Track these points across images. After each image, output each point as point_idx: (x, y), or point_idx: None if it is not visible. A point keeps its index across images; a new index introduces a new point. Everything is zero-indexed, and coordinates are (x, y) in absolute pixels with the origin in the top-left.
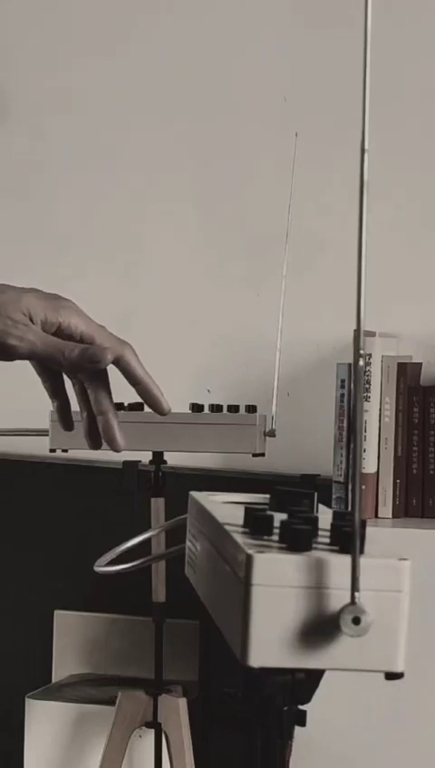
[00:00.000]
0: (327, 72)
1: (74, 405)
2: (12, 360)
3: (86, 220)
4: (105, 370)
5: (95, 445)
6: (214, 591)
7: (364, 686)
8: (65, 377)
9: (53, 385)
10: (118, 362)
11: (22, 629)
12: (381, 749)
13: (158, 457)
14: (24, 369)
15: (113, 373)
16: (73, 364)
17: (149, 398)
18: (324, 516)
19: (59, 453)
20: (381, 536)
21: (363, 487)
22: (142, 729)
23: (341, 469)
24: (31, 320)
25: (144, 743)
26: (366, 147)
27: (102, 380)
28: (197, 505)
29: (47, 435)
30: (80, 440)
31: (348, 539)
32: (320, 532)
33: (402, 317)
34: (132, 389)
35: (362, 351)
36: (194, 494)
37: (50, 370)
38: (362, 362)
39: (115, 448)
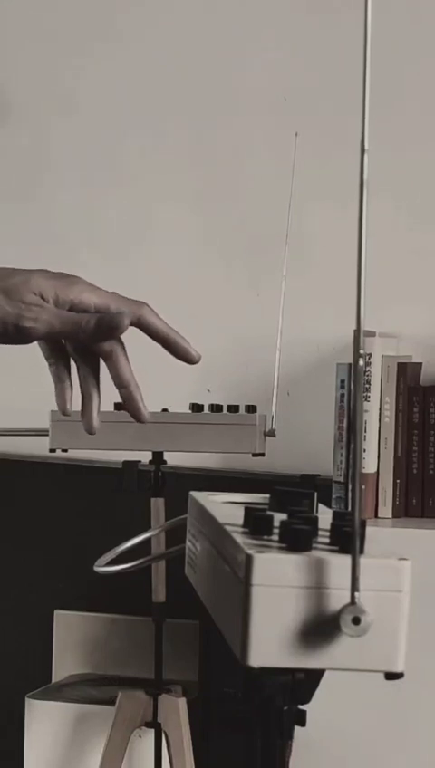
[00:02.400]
0: (327, 73)
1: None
2: (30, 342)
3: (86, 220)
4: (123, 344)
5: (90, 426)
6: (214, 591)
7: (364, 686)
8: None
9: (60, 368)
10: (138, 323)
11: (22, 629)
12: (381, 749)
13: (158, 457)
14: (25, 369)
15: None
16: (92, 335)
17: (177, 350)
18: (324, 516)
19: (59, 453)
20: (381, 536)
21: (363, 487)
22: (142, 729)
23: (341, 469)
24: (43, 299)
25: (144, 743)
26: (366, 147)
27: (121, 353)
28: (197, 505)
29: (47, 435)
30: (80, 440)
31: (348, 539)
32: (320, 532)
33: (402, 317)
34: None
35: (362, 351)
36: (194, 494)
37: (58, 353)
38: (362, 362)
39: (140, 419)
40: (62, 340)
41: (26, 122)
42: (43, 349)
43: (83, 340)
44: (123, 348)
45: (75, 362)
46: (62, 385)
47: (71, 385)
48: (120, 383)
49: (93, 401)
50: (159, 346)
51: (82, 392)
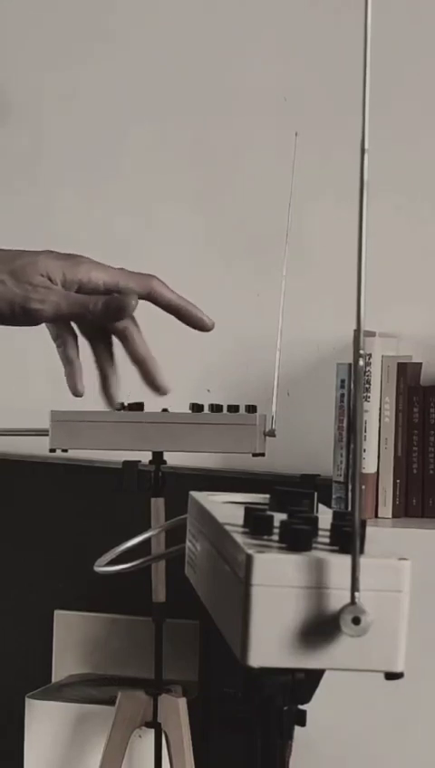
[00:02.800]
0: (327, 73)
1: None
2: (38, 323)
3: (86, 220)
4: (135, 320)
5: (111, 402)
6: (214, 591)
7: (364, 686)
8: (80, 340)
9: (69, 349)
10: (149, 297)
11: (22, 629)
12: (382, 749)
13: (158, 457)
14: (25, 369)
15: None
16: (100, 316)
17: (190, 319)
18: (324, 516)
19: (59, 453)
20: (381, 536)
21: (363, 487)
22: (142, 729)
23: (341, 469)
24: (50, 280)
25: (144, 743)
26: (366, 147)
27: (135, 329)
28: (197, 505)
29: (47, 435)
30: (80, 440)
31: (348, 539)
32: (320, 532)
33: (402, 317)
34: (133, 389)
35: (362, 351)
36: (194, 494)
37: (66, 334)
38: (362, 362)
39: (160, 392)
40: (71, 322)
41: (26, 122)
42: (50, 330)
43: (92, 323)
44: (136, 324)
45: (88, 342)
46: (72, 366)
47: (80, 365)
48: (137, 359)
49: (112, 378)
50: (159, 340)
51: (100, 370)
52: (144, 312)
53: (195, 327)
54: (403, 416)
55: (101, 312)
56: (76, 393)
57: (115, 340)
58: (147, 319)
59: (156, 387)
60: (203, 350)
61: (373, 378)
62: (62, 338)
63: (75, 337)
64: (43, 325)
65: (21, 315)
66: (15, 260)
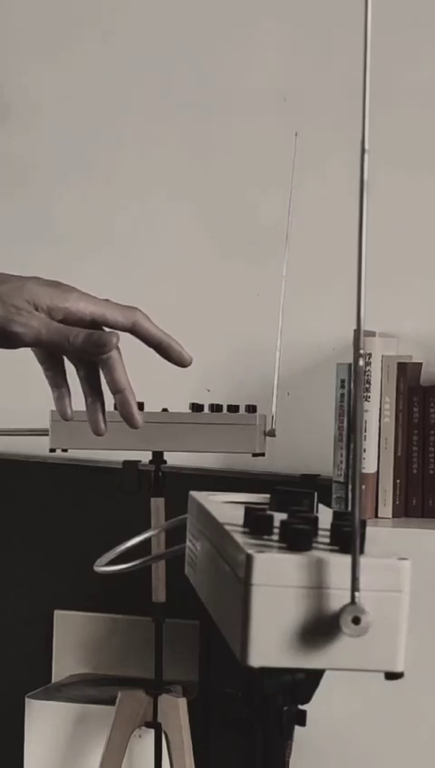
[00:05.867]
0: (327, 72)
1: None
2: (16, 347)
3: (85, 220)
4: (119, 349)
5: (99, 430)
6: (214, 591)
7: (364, 686)
8: (67, 364)
9: (55, 373)
10: (132, 329)
11: (22, 629)
12: (382, 749)
13: (158, 457)
14: (24, 369)
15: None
16: (79, 350)
17: (170, 354)
18: (324, 516)
19: (59, 453)
20: (381, 536)
21: (363, 487)
22: (142, 729)
23: (341, 469)
24: (36, 307)
25: (144, 743)
26: (366, 147)
27: (117, 358)
28: (197, 505)
29: (47, 435)
30: (80, 440)
31: (348, 539)
32: (320, 532)
33: (402, 317)
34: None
35: (362, 351)
36: (194, 494)
37: (53, 358)
38: (362, 362)
39: (133, 425)
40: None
41: (26, 121)
42: (36, 354)
43: (70, 354)
44: (119, 353)
45: (74, 365)
46: (60, 390)
47: (68, 390)
48: (116, 388)
49: (98, 403)
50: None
51: (86, 394)
52: (145, 312)
53: (174, 363)
54: (403, 416)
55: (80, 346)
56: (65, 417)
57: None
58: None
59: (130, 419)
60: (203, 351)
61: (373, 378)
62: (49, 362)
63: (62, 361)
64: None
65: (0, 337)
66: (2, 283)
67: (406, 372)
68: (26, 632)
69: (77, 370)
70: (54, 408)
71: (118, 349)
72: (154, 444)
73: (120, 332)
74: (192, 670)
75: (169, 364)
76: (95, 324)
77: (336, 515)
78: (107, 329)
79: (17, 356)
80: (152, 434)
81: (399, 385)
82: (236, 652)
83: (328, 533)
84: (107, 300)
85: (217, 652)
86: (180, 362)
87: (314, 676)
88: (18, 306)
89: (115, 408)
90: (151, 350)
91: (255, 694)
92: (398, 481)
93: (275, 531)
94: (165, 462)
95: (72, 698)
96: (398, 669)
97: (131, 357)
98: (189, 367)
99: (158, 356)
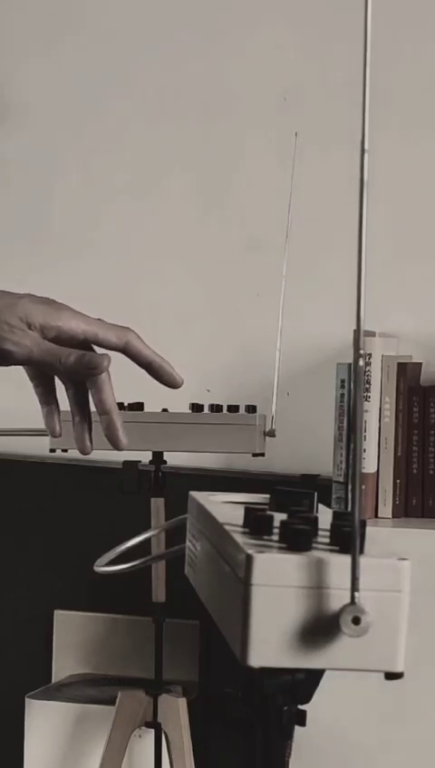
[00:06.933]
0: (327, 72)
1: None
2: (8, 365)
3: (85, 220)
4: (109, 359)
5: (85, 449)
6: (214, 591)
7: (364, 686)
8: (57, 383)
9: (45, 391)
10: (124, 349)
11: (22, 629)
12: (382, 749)
13: (158, 457)
14: (24, 369)
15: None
16: (70, 371)
17: (161, 375)
18: (324, 516)
19: (59, 453)
20: (381, 536)
21: (363, 487)
22: (142, 729)
23: (341, 469)
24: (29, 325)
25: (144, 743)
26: (366, 147)
27: (106, 379)
28: (197, 505)
29: (47, 435)
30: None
31: (348, 539)
32: (320, 532)
33: (402, 317)
34: (133, 389)
35: (362, 351)
36: (194, 494)
37: (43, 376)
38: (362, 362)
39: (118, 448)
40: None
41: (25, 121)
42: (27, 371)
43: (60, 374)
44: (108, 373)
45: (63, 383)
46: (50, 407)
47: (57, 407)
48: (103, 409)
49: (85, 423)
50: (159, 340)
51: (73, 413)
52: (146, 312)
53: (165, 384)
54: (403, 416)
55: (71, 367)
56: (54, 434)
57: None
58: (148, 319)
59: (115, 442)
60: (203, 351)
61: (373, 378)
62: (39, 379)
63: (52, 378)
64: None
65: None
66: None
67: (406, 372)
68: (26, 632)
69: (66, 389)
70: (45, 427)
71: (109, 359)
72: (154, 444)
73: (110, 353)
74: (192, 670)
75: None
76: (87, 343)
77: (336, 515)
78: (99, 348)
79: None
80: (152, 434)
81: (399, 385)
82: (236, 652)
83: (328, 533)
84: (99, 319)
85: (217, 652)
86: (172, 384)
87: (314, 676)
88: (11, 324)
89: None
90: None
91: (255, 694)
92: (398, 481)
93: (275, 531)
94: (165, 462)
95: (72, 698)
96: (398, 669)
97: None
98: (189, 367)
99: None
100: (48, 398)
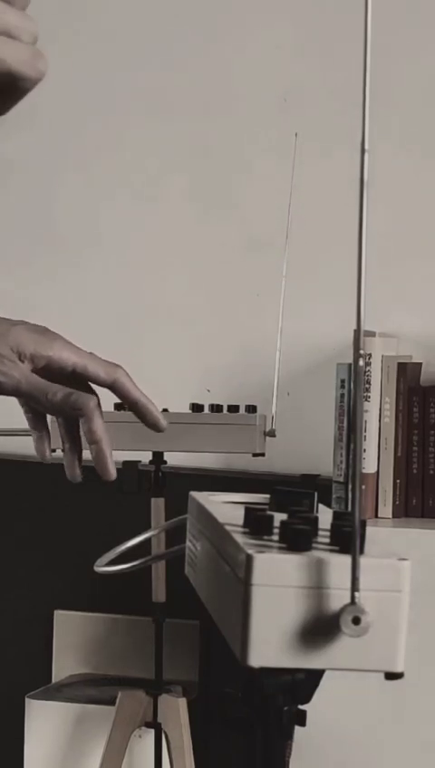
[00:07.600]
0: (327, 72)
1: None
2: None
3: (85, 219)
4: (98, 398)
5: (74, 477)
6: (214, 591)
7: (364, 686)
8: None
9: (35, 417)
10: (112, 386)
11: (22, 629)
12: (382, 749)
13: (158, 457)
14: None
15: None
16: (55, 408)
17: (145, 417)
18: (324, 516)
19: (59, 453)
20: (381, 536)
21: (363, 487)
22: (142, 729)
23: (341, 469)
24: (19, 354)
25: (144, 743)
26: (366, 147)
27: (96, 410)
28: (197, 505)
29: None
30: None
31: (348, 539)
32: (320, 532)
33: (402, 317)
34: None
35: (362, 351)
36: (194, 494)
37: (33, 403)
38: (362, 362)
39: (107, 478)
40: None
41: (25, 121)
42: (17, 398)
43: (46, 409)
44: (98, 404)
45: (53, 415)
46: (40, 434)
47: (48, 433)
48: (92, 439)
49: (75, 452)
50: (160, 341)
51: (63, 441)
52: (146, 312)
53: (148, 425)
54: (403, 416)
55: (57, 405)
56: (44, 460)
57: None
58: (148, 318)
59: (104, 472)
60: (203, 351)
61: (373, 378)
62: (29, 406)
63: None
64: None
65: None
66: None
67: (406, 372)
68: (26, 632)
69: (56, 417)
70: (35, 452)
71: (97, 399)
72: (154, 444)
73: (98, 388)
74: (192, 670)
75: (170, 364)
76: (76, 375)
77: (336, 515)
78: (87, 380)
79: None
80: (152, 434)
81: (399, 385)
82: (236, 652)
83: (328, 533)
84: (91, 353)
85: (217, 652)
86: (155, 427)
87: (314, 676)
88: (1, 353)
89: (115, 408)
90: (152, 350)
91: (255, 694)
92: (398, 481)
93: (275, 531)
94: (165, 462)
95: (72, 698)
96: (398, 669)
97: (132, 356)
98: (189, 367)
99: (158, 357)
100: (38, 424)
